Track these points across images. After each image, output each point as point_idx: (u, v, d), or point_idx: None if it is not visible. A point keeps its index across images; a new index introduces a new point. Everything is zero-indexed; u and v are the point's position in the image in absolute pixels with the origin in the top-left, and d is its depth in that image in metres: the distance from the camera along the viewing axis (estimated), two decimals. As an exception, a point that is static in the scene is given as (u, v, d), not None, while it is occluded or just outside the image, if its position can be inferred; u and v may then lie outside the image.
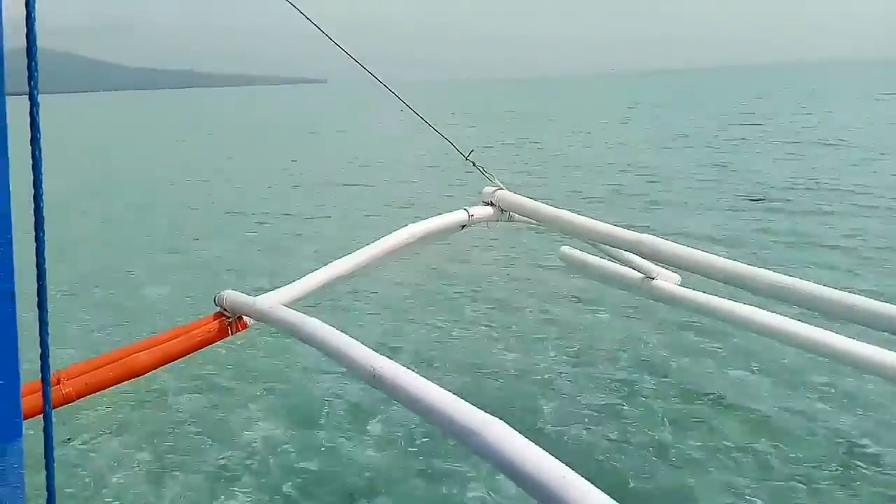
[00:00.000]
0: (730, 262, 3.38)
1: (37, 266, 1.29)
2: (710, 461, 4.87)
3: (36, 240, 1.27)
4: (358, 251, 3.65)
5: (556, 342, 7.57)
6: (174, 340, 3.16)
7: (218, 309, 3.31)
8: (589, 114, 51.11)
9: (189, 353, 3.19)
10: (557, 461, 1.60)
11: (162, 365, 3.12)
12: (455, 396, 1.93)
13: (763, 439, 5.26)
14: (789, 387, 6.05)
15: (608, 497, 1.47)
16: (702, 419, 5.47)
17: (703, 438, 5.21)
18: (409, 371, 2.11)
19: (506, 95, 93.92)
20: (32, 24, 1.19)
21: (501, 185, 4.08)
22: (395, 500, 4.74)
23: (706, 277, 3.50)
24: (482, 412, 1.83)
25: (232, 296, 3.27)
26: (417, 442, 5.39)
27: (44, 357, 1.36)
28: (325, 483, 5.01)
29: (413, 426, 5.45)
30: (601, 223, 3.85)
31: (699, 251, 3.50)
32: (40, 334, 1.35)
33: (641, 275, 5.02)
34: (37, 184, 1.24)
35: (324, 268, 3.55)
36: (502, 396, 6.25)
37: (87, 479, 5.18)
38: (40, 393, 2.83)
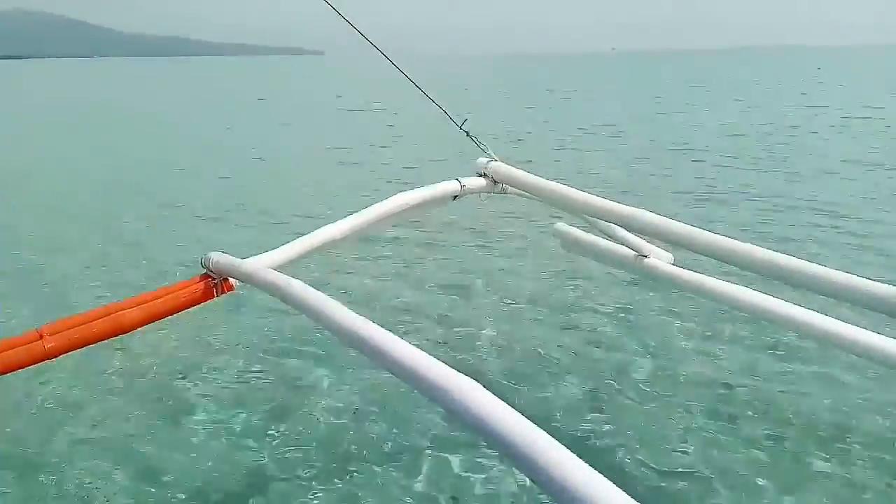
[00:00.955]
0: (727, 239, 3.32)
1: None
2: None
3: None
4: (349, 217, 3.63)
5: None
6: (160, 299, 3.15)
7: (204, 270, 3.30)
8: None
9: (174, 313, 3.18)
10: (529, 422, 1.62)
11: (147, 323, 3.12)
12: (433, 358, 1.93)
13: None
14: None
15: (575, 455, 1.48)
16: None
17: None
18: (389, 333, 2.11)
19: (525, 73, 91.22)
20: None
21: (495, 157, 4.05)
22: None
23: (702, 255, 3.46)
24: (459, 374, 1.83)
25: (218, 257, 3.26)
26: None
27: None
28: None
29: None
30: (595, 197, 3.82)
31: (695, 228, 3.45)
32: None
33: (635, 252, 5.01)
34: None
35: (313, 233, 3.53)
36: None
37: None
38: (17, 349, 2.83)
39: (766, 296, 4.49)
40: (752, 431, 5.06)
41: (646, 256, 4.99)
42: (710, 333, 6.74)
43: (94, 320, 3.00)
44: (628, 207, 3.71)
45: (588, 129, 25.10)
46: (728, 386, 5.78)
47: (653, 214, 3.55)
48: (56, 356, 2.89)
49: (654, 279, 5.16)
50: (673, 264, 4.98)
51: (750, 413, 5.32)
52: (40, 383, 5.83)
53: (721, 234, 3.37)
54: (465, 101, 36.94)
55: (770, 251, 3.13)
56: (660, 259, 5.03)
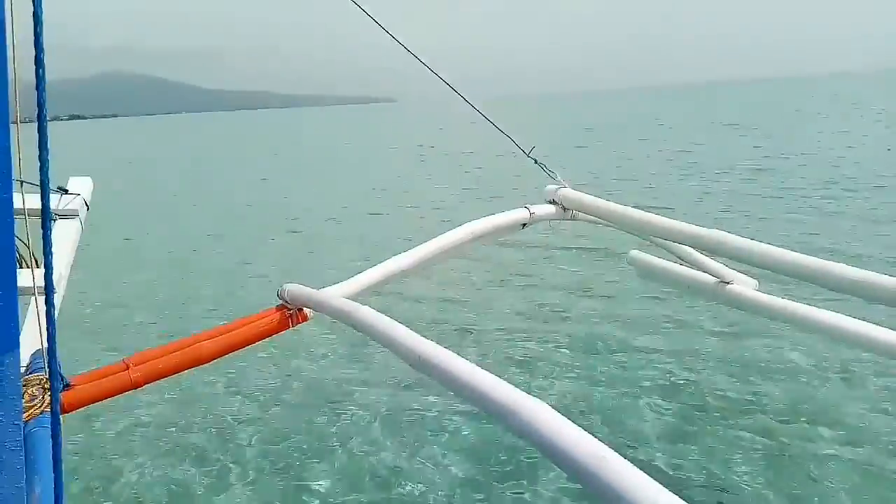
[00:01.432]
0: (817, 260, 3.08)
1: (44, 253, 1.32)
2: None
3: (43, 228, 1.30)
4: (418, 247, 3.66)
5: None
6: (238, 330, 3.24)
7: (280, 301, 3.38)
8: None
9: (252, 343, 3.26)
10: (597, 440, 1.55)
11: (226, 353, 3.20)
12: (496, 377, 1.90)
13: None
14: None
15: (646, 475, 1.40)
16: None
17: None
18: (453, 354, 2.09)
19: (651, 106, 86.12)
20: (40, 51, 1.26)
21: (564, 183, 4.01)
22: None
23: (788, 276, 3.22)
24: (523, 393, 1.79)
25: (294, 289, 3.34)
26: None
27: (51, 351, 1.38)
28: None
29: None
30: (671, 220, 3.71)
31: (780, 248, 3.23)
32: (47, 327, 1.37)
33: (715, 279, 4.80)
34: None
35: (383, 263, 3.57)
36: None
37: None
38: (106, 379, 2.96)
39: (869, 324, 4.14)
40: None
41: (728, 283, 4.76)
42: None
43: (175, 351, 3.11)
44: (707, 229, 3.56)
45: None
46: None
47: (734, 236, 3.38)
48: (141, 386, 3.00)
49: (738, 307, 4.91)
50: (757, 290, 4.75)
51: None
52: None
53: (809, 255, 3.15)
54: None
55: (871, 272, 2.87)
56: (743, 285, 4.80)
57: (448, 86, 4.36)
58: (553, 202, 4.01)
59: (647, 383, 6.48)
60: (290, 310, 3.33)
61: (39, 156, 1.32)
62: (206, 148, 60.04)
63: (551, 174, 3.98)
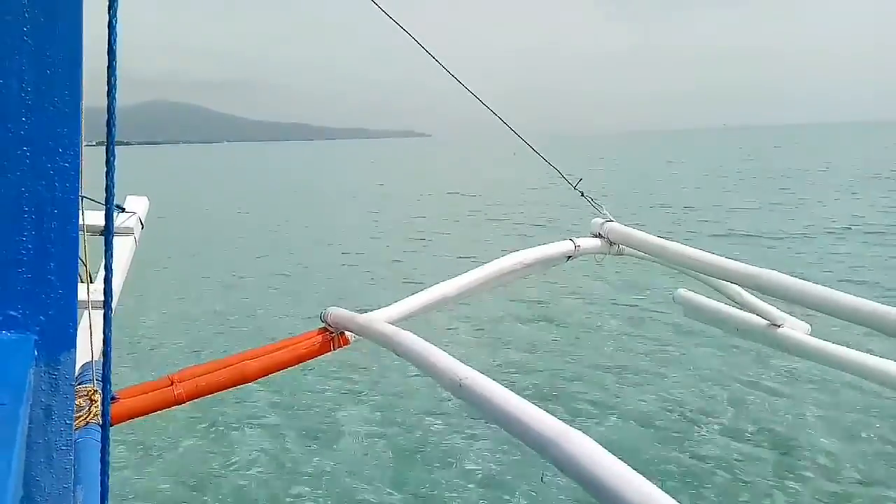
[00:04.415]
0: (873, 303, 2.95)
1: (105, 268, 1.35)
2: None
3: (105, 244, 1.34)
4: (462, 275, 3.65)
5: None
6: (281, 351, 3.28)
7: (323, 324, 3.41)
8: None
9: (294, 364, 3.29)
10: (639, 475, 1.50)
11: (268, 373, 3.24)
12: (541, 409, 1.86)
13: None
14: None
15: None
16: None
17: None
18: (494, 382, 2.06)
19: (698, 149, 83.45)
20: (114, 74, 1.30)
21: (611, 217, 3.97)
22: None
23: (845, 320, 3.08)
24: (567, 426, 1.75)
25: (336, 312, 3.36)
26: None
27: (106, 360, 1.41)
28: None
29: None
30: (719, 257, 3.63)
31: (835, 290, 3.12)
32: (103, 339, 1.40)
33: (766, 321, 4.66)
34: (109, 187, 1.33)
35: (427, 290, 3.57)
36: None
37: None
38: (150, 394, 3.01)
39: None
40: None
41: (778, 326, 4.62)
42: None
43: (219, 369, 3.16)
44: (758, 269, 3.45)
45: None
46: None
47: (788, 277, 3.28)
48: (184, 402, 3.04)
49: (787, 351, 4.74)
50: (809, 334, 4.58)
51: None
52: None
53: (867, 299, 3.02)
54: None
55: None
56: (795, 328, 4.65)
57: (505, 124, 4.39)
58: (599, 235, 3.96)
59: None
60: (331, 333, 3.35)
61: (106, 176, 1.36)
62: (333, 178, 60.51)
63: (598, 207, 3.95)
